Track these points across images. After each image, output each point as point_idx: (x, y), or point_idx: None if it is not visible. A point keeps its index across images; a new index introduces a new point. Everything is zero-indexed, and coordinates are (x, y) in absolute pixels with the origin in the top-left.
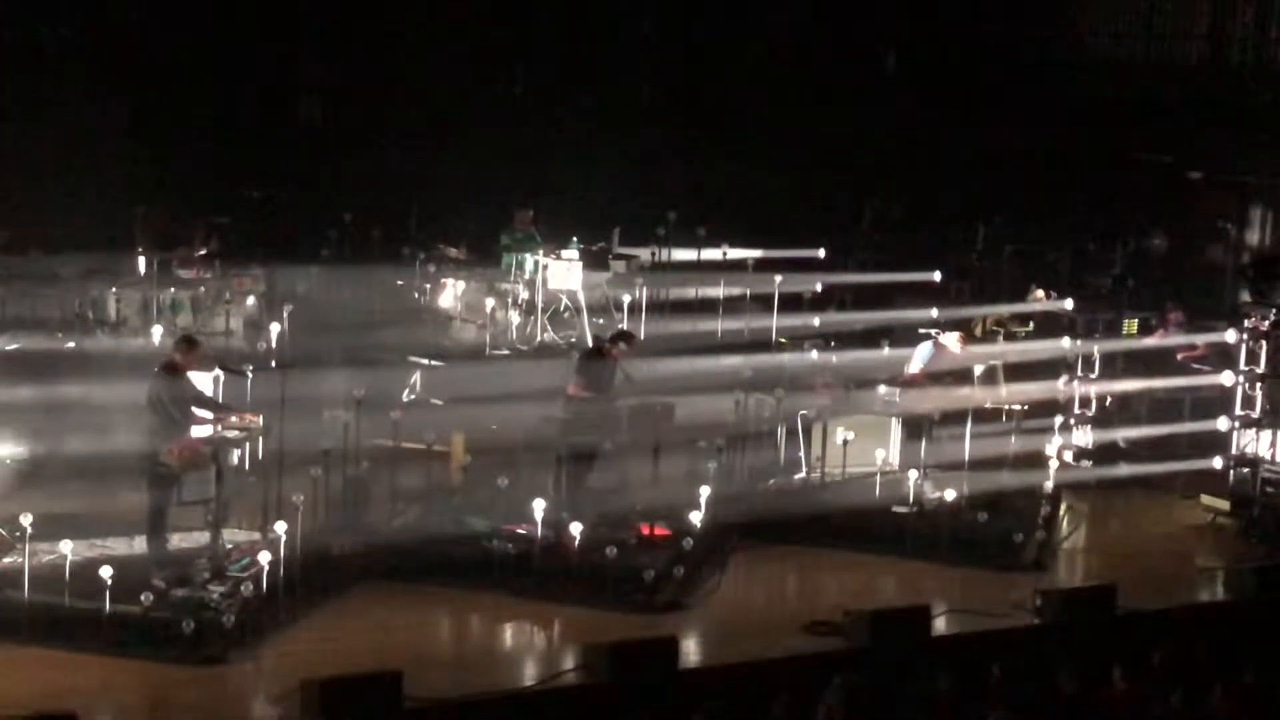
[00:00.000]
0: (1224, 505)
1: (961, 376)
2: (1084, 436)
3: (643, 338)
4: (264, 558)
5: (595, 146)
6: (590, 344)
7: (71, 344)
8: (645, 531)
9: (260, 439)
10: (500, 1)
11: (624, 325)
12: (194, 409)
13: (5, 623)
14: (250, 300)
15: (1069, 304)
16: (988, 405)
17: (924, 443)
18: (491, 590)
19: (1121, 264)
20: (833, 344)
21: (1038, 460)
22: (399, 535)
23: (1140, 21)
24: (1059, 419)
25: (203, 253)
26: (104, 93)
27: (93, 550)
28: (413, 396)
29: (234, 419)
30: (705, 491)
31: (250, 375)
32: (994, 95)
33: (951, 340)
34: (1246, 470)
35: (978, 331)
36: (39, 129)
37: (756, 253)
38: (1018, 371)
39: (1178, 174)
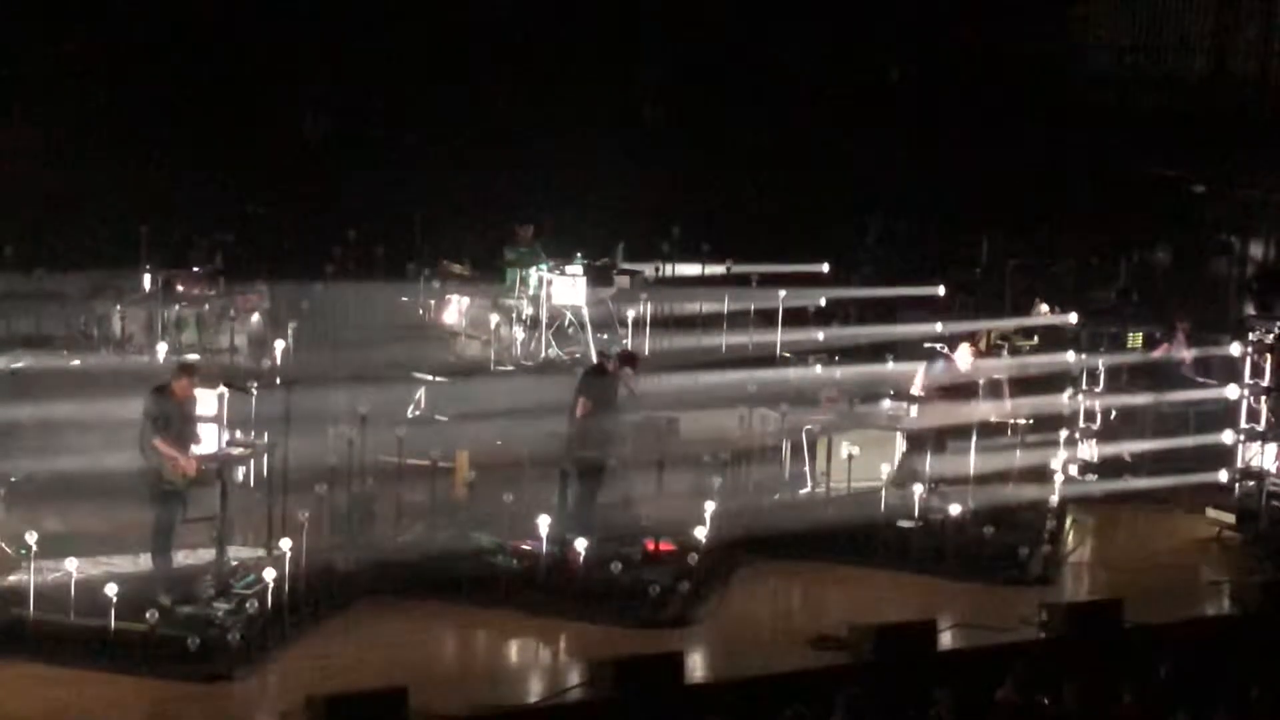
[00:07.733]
0: (1230, 519)
1: (967, 391)
2: (1089, 450)
3: (647, 353)
4: (269, 574)
5: (599, 162)
6: (594, 362)
7: (77, 361)
8: (650, 547)
9: (265, 456)
10: (502, 18)
11: (628, 341)
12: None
13: (11, 640)
14: (255, 317)
15: (1073, 318)
16: (993, 419)
17: (929, 457)
18: (497, 606)
19: (1126, 278)
20: (837, 358)
21: (1043, 474)
22: (404, 552)
23: (1144, 35)
24: (1064, 433)
25: (208, 270)
26: (109, 110)
27: (98, 568)
28: (417, 413)
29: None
30: (710, 507)
31: (255, 392)
32: (998, 108)
33: (963, 354)
34: (1252, 484)
35: (982, 345)
36: (44, 146)
37: (760, 267)
38: (1022, 385)
39: (1182, 188)
